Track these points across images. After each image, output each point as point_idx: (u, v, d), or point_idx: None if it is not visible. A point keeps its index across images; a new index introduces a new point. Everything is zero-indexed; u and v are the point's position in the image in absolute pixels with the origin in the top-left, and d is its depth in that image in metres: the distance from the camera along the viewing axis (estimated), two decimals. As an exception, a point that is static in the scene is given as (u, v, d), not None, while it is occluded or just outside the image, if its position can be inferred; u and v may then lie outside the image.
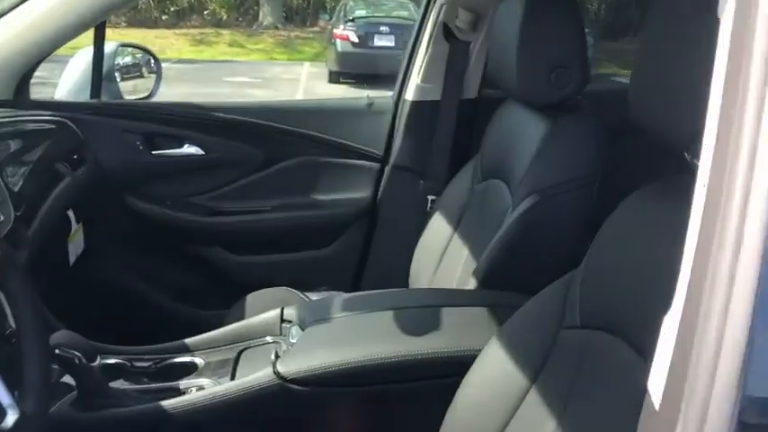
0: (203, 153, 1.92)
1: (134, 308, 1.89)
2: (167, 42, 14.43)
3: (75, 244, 1.74)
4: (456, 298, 1.36)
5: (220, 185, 1.97)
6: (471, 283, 1.43)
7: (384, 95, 2.07)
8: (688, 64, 0.76)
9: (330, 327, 1.27)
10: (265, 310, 1.63)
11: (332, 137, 1.98)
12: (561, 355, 0.98)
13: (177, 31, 15.30)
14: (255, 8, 16.37)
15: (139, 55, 2.19)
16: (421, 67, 1.91)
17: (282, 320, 1.34)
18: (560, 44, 1.42)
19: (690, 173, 0.61)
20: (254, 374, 1.17)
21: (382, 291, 1.44)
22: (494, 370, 1.04)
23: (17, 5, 1.64)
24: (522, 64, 1.42)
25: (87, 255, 1.79)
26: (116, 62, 2.12)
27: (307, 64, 12.40)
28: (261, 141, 1.96)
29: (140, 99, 2.04)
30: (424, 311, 1.29)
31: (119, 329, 1.61)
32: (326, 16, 13.44)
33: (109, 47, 1.93)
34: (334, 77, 10.44)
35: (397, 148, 1.97)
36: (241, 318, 1.62)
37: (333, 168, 2.00)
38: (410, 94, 1.95)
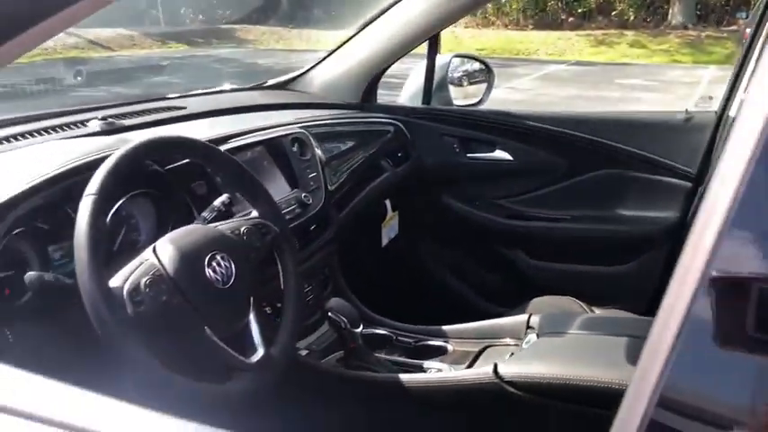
0: (512, 159, 2.03)
1: (430, 290, 2.11)
2: (568, 44, 14.71)
3: (389, 229, 2.03)
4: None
5: (526, 191, 2.05)
6: None
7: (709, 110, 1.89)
8: None
9: (561, 341, 1.28)
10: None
11: (642, 151, 1.90)
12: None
13: (580, 33, 15.43)
14: (665, 7, 15.57)
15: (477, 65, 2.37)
16: (750, 79, 1.70)
17: (528, 326, 1.39)
18: None
19: None
20: (477, 370, 1.26)
21: (638, 317, 1.37)
22: None
23: (366, 26, 1.97)
24: None
25: (399, 240, 2.06)
26: (465, 69, 2.35)
27: (712, 68, 11.36)
28: (568, 151, 1.98)
29: (469, 106, 2.23)
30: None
31: (410, 304, 1.82)
32: (743, 14, 12.00)
33: (443, 58, 2.16)
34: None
35: (714, 168, 1.79)
36: None
37: (640, 184, 1.92)
38: (736, 110, 1.75)
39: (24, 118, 1.44)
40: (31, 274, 0.95)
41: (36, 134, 1.33)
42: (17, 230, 1.02)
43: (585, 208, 1.98)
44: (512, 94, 8.79)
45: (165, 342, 0.95)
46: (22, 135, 1.31)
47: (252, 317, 1.10)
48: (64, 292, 0.98)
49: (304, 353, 1.45)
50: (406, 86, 2.21)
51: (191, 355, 0.99)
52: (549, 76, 11.19)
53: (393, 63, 2.06)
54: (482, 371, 1.23)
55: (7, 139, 1.28)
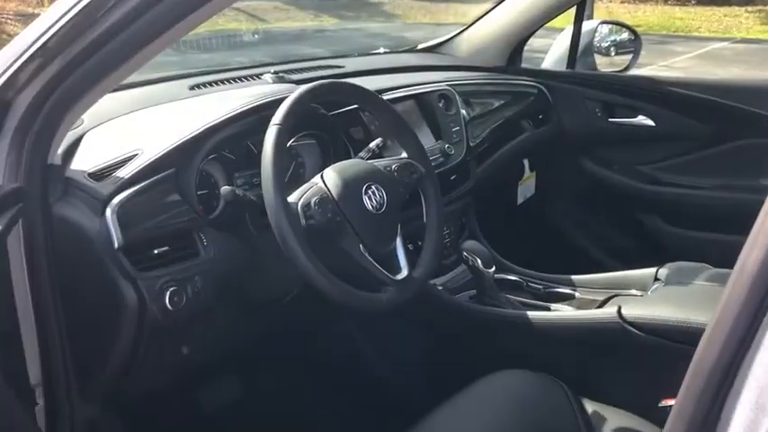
0: (653, 125, 2.04)
1: (562, 250, 2.18)
2: (735, 21, 13.69)
3: (525, 188, 2.12)
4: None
5: (666, 157, 2.06)
6: None
7: None
8: None
9: (684, 289, 1.33)
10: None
11: None
12: None
13: (750, 8, 14.28)
14: None
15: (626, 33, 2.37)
16: None
17: (656, 278, 1.45)
18: None
19: None
20: (601, 310, 1.35)
21: None
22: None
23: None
24: None
25: (535, 199, 2.15)
26: (612, 39, 2.37)
27: None
28: (713, 118, 1.96)
29: (614, 72, 2.25)
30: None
31: (540, 260, 1.91)
32: None
33: (590, 24, 2.19)
34: None
35: None
36: None
37: None
38: None
39: (212, 70, 1.68)
40: (226, 188, 1.16)
41: (221, 83, 1.56)
42: (211, 157, 1.23)
43: (728, 177, 1.96)
44: (665, 74, 8.38)
45: (327, 253, 1.12)
46: (210, 83, 1.55)
47: (398, 242, 1.25)
48: (248, 206, 1.18)
49: (440, 288, 1.59)
50: (550, 52, 2.27)
51: (346, 266, 1.16)
52: (709, 55, 10.51)
53: (538, 28, 2.13)
54: (606, 311, 1.32)
55: (198, 86, 1.52)
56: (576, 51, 2.16)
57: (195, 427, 1.55)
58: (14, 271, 0.97)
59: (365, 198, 1.18)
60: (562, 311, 1.47)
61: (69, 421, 1.05)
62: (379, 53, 2.21)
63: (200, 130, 1.19)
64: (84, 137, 1.21)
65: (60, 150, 1.10)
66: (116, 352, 1.10)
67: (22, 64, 0.92)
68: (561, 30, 2.27)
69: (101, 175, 1.10)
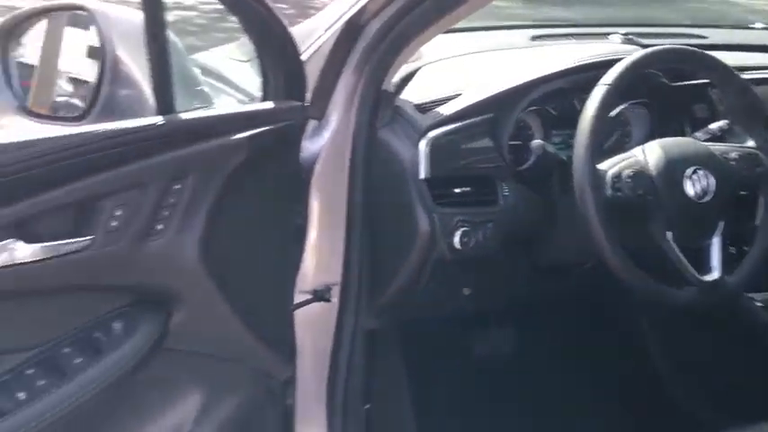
0: None
1: None
2: None
3: None
4: None
5: None
6: None
7: None
8: None
9: None
10: None
11: None
12: None
13: None
14: None
15: None
16: None
17: None
18: None
19: None
20: None
21: None
22: None
23: None
24: None
25: None
26: None
27: None
28: None
29: None
30: None
31: None
32: None
33: None
34: None
35: None
36: None
37: None
38: None
39: (558, 24, 1.64)
40: (536, 142, 1.13)
41: (564, 37, 1.51)
42: (531, 108, 1.21)
43: None
44: None
45: (627, 231, 1.04)
46: (553, 36, 1.51)
47: (716, 240, 1.10)
48: (558, 165, 1.14)
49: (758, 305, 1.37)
50: None
51: (645, 250, 1.06)
52: None
53: None
54: None
55: (540, 37, 1.49)
56: None
57: (461, 368, 1.60)
58: (338, 180, 1.08)
59: (687, 182, 1.06)
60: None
61: (354, 324, 1.16)
62: (755, 28, 1.92)
63: (525, 80, 1.17)
64: (419, 71, 1.27)
65: (395, 80, 1.18)
66: (402, 274, 1.16)
67: None
68: None
69: (425, 108, 1.15)
